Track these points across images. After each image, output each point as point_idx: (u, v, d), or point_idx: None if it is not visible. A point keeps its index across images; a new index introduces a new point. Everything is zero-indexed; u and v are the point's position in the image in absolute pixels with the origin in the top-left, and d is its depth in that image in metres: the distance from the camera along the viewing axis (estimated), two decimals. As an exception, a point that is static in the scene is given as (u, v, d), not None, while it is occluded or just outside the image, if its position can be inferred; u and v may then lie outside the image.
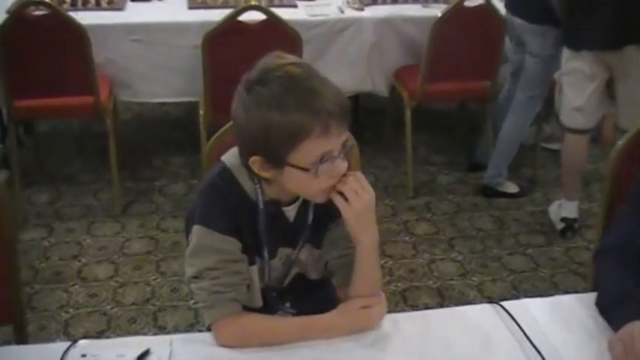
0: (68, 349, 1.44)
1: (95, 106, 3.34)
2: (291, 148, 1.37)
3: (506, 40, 3.63)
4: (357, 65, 3.71)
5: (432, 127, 4.43)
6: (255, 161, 1.43)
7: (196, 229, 1.49)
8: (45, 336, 2.69)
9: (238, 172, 1.50)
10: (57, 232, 3.36)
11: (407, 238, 3.42)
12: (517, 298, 2.80)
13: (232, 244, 1.49)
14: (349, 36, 3.64)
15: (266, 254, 1.56)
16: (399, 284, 3.08)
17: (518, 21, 3.51)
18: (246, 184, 1.50)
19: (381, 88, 3.83)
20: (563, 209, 3.44)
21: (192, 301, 2.85)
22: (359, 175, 1.46)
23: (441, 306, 2.87)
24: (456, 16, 3.44)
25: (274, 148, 1.38)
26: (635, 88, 3.15)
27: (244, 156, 1.45)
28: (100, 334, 2.72)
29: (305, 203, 1.56)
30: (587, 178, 3.75)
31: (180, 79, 3.57)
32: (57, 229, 3.38)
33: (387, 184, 3.86)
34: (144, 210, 3.55)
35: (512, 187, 3.78)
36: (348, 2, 3.76)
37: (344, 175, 1.43)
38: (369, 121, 4.32)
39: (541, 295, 2.38)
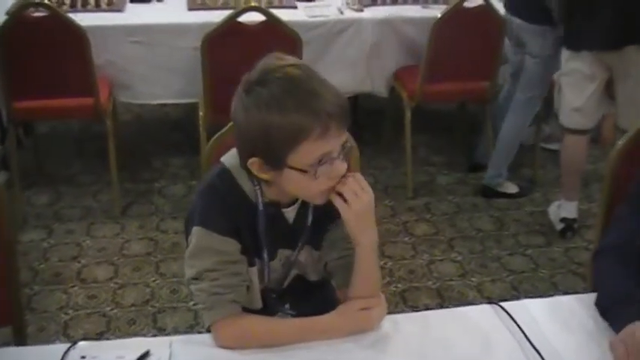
0: (68, 350, 1.44)
1: (95, 108, 3.34)
2: (291, 149, 1.37)
3: (506, 40, 3.63)
4: (357, 66, 3.71)
5: (432, 127, 4.43)
6: (254, 162, 1.43)
7: (196, 230, 1.49)
8: (44, 337, 2.69)
9: (238, 174, 1.50)
10: (56, 233, 3.36)
11: (406, 238, 3.42)
12: (517, 298, 2.79)
13: (232, 246, 1.49)
14: (349, 37, 3.64)
15: (265, 256, 1.56)
16: (399, 285, 3.08)
17: (517, 21, 3.51)
18: (246, 186, 1.50)
19: (381, 89, 3.83)
20: (562, 209, 3.44)
21: (191, 303, 2.85)
22: (358, 176, 1.46)
23: (441, 307, 2.87)
24: (456, 16, 3.44)
25: (273, 150, 1.38)
26: (635, 88, 3.15)
27: (243, 157, 1.45)
28: (99, 336, 2.72)
29: (304, 204, 1.56)
30: (587, 179, 3.75)
31: (179, 81, 3.57)
32: (56, 230, 3.38)
33: (387, 184, 3.86)
34: (143, 211, 3.55)
35: (511, 188, 3.78)
36: (347, 3, 3.75)
37: (343, 176, 1.43)
38: (369, 121, 4.32)
39: (541, 296, 2.39)
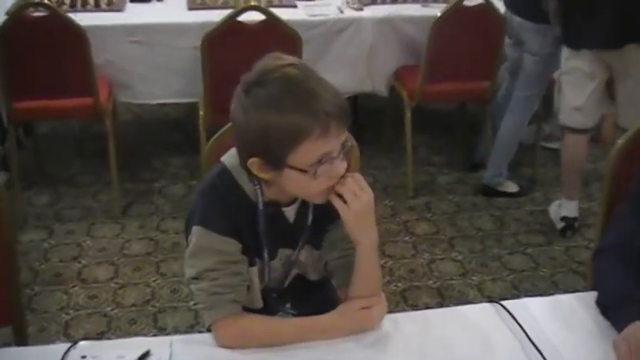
0: (68, 350, 1.44)
1: (95, 108, 3.34)
2: (290, 149, 1.37)
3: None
4: (357, 65, 3.71)
5: (432, 127, 4.43)
6: (254, 163, 1.42)
7: (196, 230, 1.49)
8: (45, 337, 2.69)
9: (238, 173, 1.50)
10: (57, 233, 3.36)
11: (407, 238, 3.42)
12: (517, 297, 2.80)
13: (232, 245, 1.49)
14: (349, 36, 3.64)
15: (266, 255, 1.56)
16: (399, 284, 3.08)
17: (517, 19, 3.51)
18: (246, 185, 1.50)
19: (381, 89, 3.83)
20: (563, 208, 3.44)
21: (192, 302, 2.85)
22: (357, 176, 1.46)
23: (441, 306, 2.87)
24: (456, 15, 3.44)
25: (273, 150, 1.38)
26: (635, 87, 3.15)
27: (243, 157, 1.45)
28: (100, 336, 2.72)
29: (304, 204, 1.56)
30: (587, 178, 3.75)
31: (179, 80, 3.57)
32: (57, 230, 3.38)
33: (387, 184, 3.86)
34: (143, 211, 3.55)
35: (512, 187, 3.78)
36: (347, 2, 3.75)
37: (342, 176, 1.43)
38: (369, 121, 4.32)
39: (541, 295, 2.39)
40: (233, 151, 1.51)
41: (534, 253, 3.33)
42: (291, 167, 1.39)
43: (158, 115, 4.55)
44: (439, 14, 3.45)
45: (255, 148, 1.40)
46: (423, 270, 3.18)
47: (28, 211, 3.52)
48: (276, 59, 1.41)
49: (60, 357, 1.42)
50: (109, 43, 3.45)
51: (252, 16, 3.26)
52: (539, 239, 3.44)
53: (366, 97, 4.09)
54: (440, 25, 3.43)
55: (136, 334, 2.71)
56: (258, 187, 1.49)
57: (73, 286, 3.00)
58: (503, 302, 1.60)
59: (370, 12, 3.70)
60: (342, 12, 3.68)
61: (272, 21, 3.24)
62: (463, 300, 2.98)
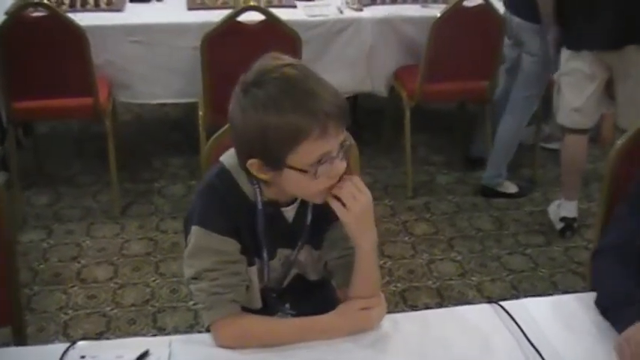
0: (67, 350, 1.44)
1: (94, 108, 3.34)
2: (290, 149, 1.36)
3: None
4: (357, 65, 3.71)
5: (431, 127, 4.43)
6: (253, 164, 1.42)
7: (195, 230, 1.49)
8: (44, 337, 2.69)
9: (237, 173, 1.50)
10: (56, 233, 3.36)
11: (406, 238, 3.42)
12: (516, 297, 2.80)
13: (231, 245, 1.49)
14: (348, 36, 3.64)
15: (265, 255, 1.56)
16: (399, 284, 3.08)
17: (516, 20, 3.51)
18: (245, 185, 1.50)
19: (381, 89, 3.83)
20: (562, 209, 3.44)
21: (191, 302, 2.85)
22: (355, 178, 1.45)
23: (441, 306, 2.87)
24: (455, 16, 3.44)
25: (272, 151, 1.38)
26: (635, 88, 3.15)
27: (242, 158, 1.45)
28: (99, 336, 2.72)
29: (303, 204, 1.56)
30: (587, 178, 3.74)
31: (179, 80, 3.57)
32: (56, 230, 3.38)
33: (387, 184, 3.86)
34: (143, 211, 3.55)
35: (511, 187, 3.78)
36: (347, 2, 3.75)
37: (340, 179, 1.43)
38: (369, 121, 4.32)
39: (540, 295, 2.39)
40: (232, 151, 1.51)
41: (533, 253, 3.33)
42: (291, 167, 1.39)
43: (158, 115, 4.55)
44: (439, 15, 3.45)
45: (254, 148, 1.40)
46: (422, 270, 3.18)
47: (28, 211, 3.52)
48: (274, 59, 1.41)
49: (59, 357, 1.42)
50: (109, 43, 3.45)
51: (252, 17, 3.26)
52: (539, 240, 3.44)
53: (365, 97, 4.09)
54: (439, 25, 3.44)
55: (135, 334, 2.71)
56: (257, 187, 1.49)
57: (73, 286, 3.00)
58: (502, 303, 1.60)
59: (370, 12, 3.70)
60: (341, 12, 3.68)
61: (271, 21, 3.24)
62: (462, 300, 2.98)
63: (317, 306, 1.55)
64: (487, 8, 3.48)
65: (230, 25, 3.22)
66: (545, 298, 1.72)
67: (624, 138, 1.90)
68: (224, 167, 1.52)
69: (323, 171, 1.39)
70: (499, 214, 3.64)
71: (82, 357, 1.43)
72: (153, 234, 3.37)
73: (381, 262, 3.15)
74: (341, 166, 1.42)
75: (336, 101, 1.38)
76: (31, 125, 4.07)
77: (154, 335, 2.67)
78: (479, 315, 1.59)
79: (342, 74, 3.54)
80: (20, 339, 1.86)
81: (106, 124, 3.42)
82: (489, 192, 3.76)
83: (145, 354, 1.43)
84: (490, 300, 1.62)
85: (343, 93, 1.44)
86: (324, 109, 1.35)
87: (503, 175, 3.75)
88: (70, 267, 3.12)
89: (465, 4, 3.45)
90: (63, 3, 3.57)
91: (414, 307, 2.94)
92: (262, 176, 1.45)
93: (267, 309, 1.62)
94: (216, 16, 3.34)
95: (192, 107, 3.70)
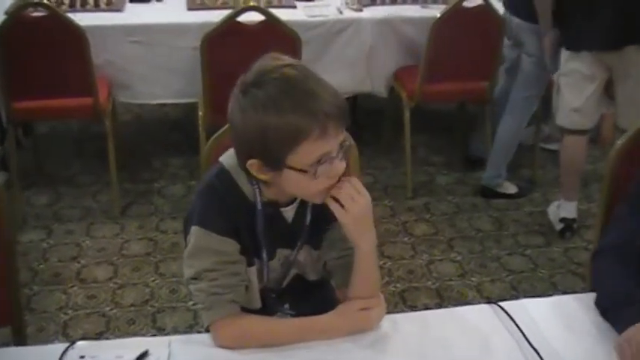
0: (66, 350, 1.44)
1: (94, 108, 3.34)
2: (289, 150, 1.37)
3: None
4: (356, 66, 3.71)
5: (431, 127, 4.43)
6: (253, 164, 1.42)
7: (194, 230, 1.49)
8: (44, 337, 2.69)
9: (236, 174, 1.50)
10: (56, 233, 3.36)
11: (406, 238, 3.42)
12: (516, 298, 2.79)
13: (230, 246, 1.49)
14: (348, 37, 3.64)
15: (264, 255, 1.56)
16: (398, 285, 3.08)
17: (516, 20, 3.52)
18: (245, 186, 1.50)
19: (380, 89, 3.83)
20: (562, 209, 3.44)
21: (191, 303, 2.85)
22: (353, 180, 1.45)
23: (440, 306, 2.87)
24: (455, 16, 3.44)
25: (272, 151, 1.38)
26: (634, 88, 3.15)
27: (242, 159, 1.45)
28: (99, 336, 2.72)
29: (303, 204, 1.56)
30: (586, 179, 3.75)
31: (179, 81, 3.57)
32: (56, 230, 3.38)
33: (386, 184, 3.86)
34: (143, 211, 3.55)
35: (511, 188, 3.78)
36: (346, 3, 3.75)
37: (339, 180, 1.43)
38: (368, 121, 4.32)
39: (540, 296, 2.39)
40: (231, 151, 1.51)
41: (533, 254, 3.33)
42: (291, 168, 1.39)
43: (158, 116, 4.56)
44: (438, 15, 3.45)
45: (254, 149, 1.40)
46: (421, 271, 3.18)
47: (28, 211, 3.51)
48: (274, 60, 1.41)
49: (58, 357, 1.42)
50: (109, 43, 3.45)
51: (252, 17, 3.26)
52: (538, 240, 3.44)
53: (365, 98, 4.09)
54: (439, 26, 3.44)
55: (135, 334, 2.71)
56: (256, 187, 1.49)
57: (72, 286, 3.00)
58: (502, 303, 1.60)
59: (369, 13, 3.70)
60: (341, 13, 3.68)
61: (271, 21, 3.24)
62: (462, 301, 2.98)
63: (316, 306, 1.55)
64: (487, 9, 3.48)
65: (230, 26, 3.22)
66: (545, 298, 1.72)
67: (624, 138, 1.90)
68: (223, 167, 1.52)
69: (323, 171, 1.39)
70: (499, 214, 3.64)
71: (82, 357, 1.43)
72: (153, 234, 3.37)
73: (381, 262, 3.15)
74: (340, 166, 1.42)
75: (336, 101, 1.38)
76: (30, 125, 4.07)
77: (154, 335, 2.67)
78: (478, 315, 1.59)
79: (341, 75, 3.54)
80: (20, 339, 1.85)
81: (105, 124, 3.41)
82: (489, 192, 3.76)
83: (145, 354, 1.43)
84: (489, 300, 1.62)
85: (343, 93, 1.44)
86: (324, 110, 1.35)
87: (502, 175, 3.75)
88: (69, 267, 3.12)
89: (465, 4, 3.45)
90: (63, 3, 3.57)
91: (414, 308, 2.94)
92: (262, 177, 1.45)
93: (267, 309, 1.62)
94: (216, 16, 3.34)
95: (192, 107, 3.70)
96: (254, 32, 3.23)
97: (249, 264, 1.55)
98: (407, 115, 3.70)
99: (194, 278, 1.49)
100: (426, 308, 2.88)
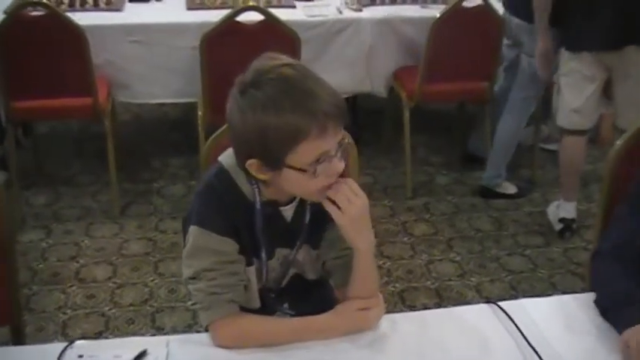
0: (65, 349, 1.44)
1: (94, 107, 3.34)
2: (289, 149, 1.37)
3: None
4: (356, 66, 3.71)
5: (431, 127, 4.43)
6: (252, 164, 1.42)
7: (193, 229, 1.48)
8: (43, 337, 2.68)
9: (235, 173, 1.50)
10: (55, 233, 3.36)
11: (405, 238, 3.42)
12: (515, 298, 2.78)
13: (229, 245, 1.49)
14: (348, 37, 3.64)
15: (264, 255, 1.56)
16: (397, 285, 3.07)
17: (515, 21, 3.51)
18: (244, 185, 1.50)
19: (380, 89, 3.83)
20: (561, 210, 3.44)
21: (190, 302, 2.85)
22: (350, 181, 1.45)
23: (439, 306, 2.87)
24: (455, 16, 3.44)
25: (271, 151, 1.38)
26: (634, 88, 3.15)
27: (241, 159, 1.45)
28: (98, 335, 2.72)
29: (302, 203, 1.56)
30: (586, 179, 3.75)
31: (178, 80, 3.57)
32: (55, 230, 3.38)
33: (386, 184, 3.85)
34: (142, 211, 3.55)
35: (510, 188, 3.78)
36: (346, 3, 3.75)
37: (335, 182, 1.43)
38: (368, 121, 4.32)
39: (539, 296, 2.39)
40: (230, 150, 1.51)
41: (532, 254, 3.33)
42: (290, 167, 1.39)
43: (157, 115, 4.55)
44: (438, 15, 3.45)
45: (253, 149, 1.40)
46: (421, 271, 3.18)
47: (27, 211, 3.51)
48: (271, 59, 1.41)
49: (56, 356, 1.41)
50: (108, 43, 3.45)
51: (251, 17, 3.26)
52: (538, 240, 3.44)
53: (365, 98, 4.09)
54: (439, 26, 3.44)
55: (134, 334, 2.71)
56: (255, 186, 1.49)
57: (71, 286, 2.99)
58: (501, 303, 1.60)
59: (369, 13, 3.70)
60: (341, 12, 3.68)
61: (271, 21, 3.24)
62: (461, 301, 2.97)
63: (315, 306, 1.55)
64: (486, 9, 3.49)
65: (229, 25, 3.22)
66: (544, 298, 1.72)
67: (623, 138, 1.90)
68: (222, 167, 1.52)
69: (322, 170, 1.39)
70: (498, 214, 3.64)
71: (80, 356, 1.42)
72: (152, 234, 3.37)
73: (380, 262, 3.15)
74: (339, 165, 1.42)
75: (335, 101, 1.38)
76: (30, 125, 4.07)
77: (153, 335, 2.67)
78: (477, 315, 1.59)
79: (341, 74, 3.54)
80: (19, 338, 1.85)
81: (105, 123, 3.41)
82: (488, 193, 3.75)
83: (143, 354, 1.43)
84: (489, 300, 1.62)
85: (342, 93, 1.44)
86: (323, 109, 1.35)
87: (502, 175, 3.75)
88: (68, 267, 3.12)
89: (465, 4, 3.45)
90: (62, 2, 3.57)
91: (413, 308, 2.94)
92: (261, 176, 1.45)
93: (266, 309, 1.61)
94: (216, 16, 3.34)
95: (191, 107, 3.70)
96: (253, 32, 3.23)
97: (248, 263, 1.55)
98: (406, 115, 3.70)
99: (193, 278, 1.49)
100: (425, 308, 2.88)
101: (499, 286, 3.10)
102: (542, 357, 1.44)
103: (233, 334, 1.48)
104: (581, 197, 3.56)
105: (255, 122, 1.36)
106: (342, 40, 3.64)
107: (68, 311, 2.85)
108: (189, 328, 2.74)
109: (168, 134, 4.34)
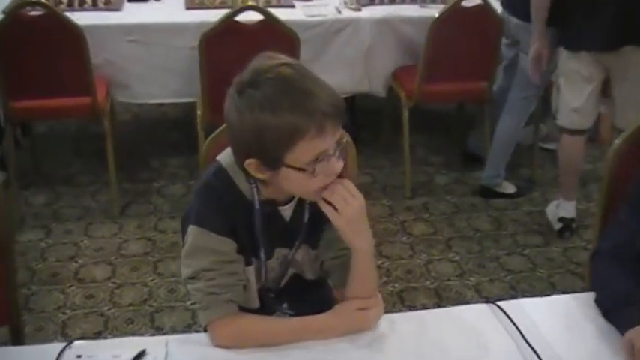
0: (64, 349, 1.43)
1: (92, 107, 3.34)
2: (287, 149, 1.36)
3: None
4: (355, 65, 3.71)
5: (430, 127, 4.43)
6: (250, 164, 1.42)
7: (192, 229, 1.48)
8: (42, 337, 2.68)
9: (234, 172, 1.50)
10: (54, 233, 3.35)
11: (404, 238, 3.42)
12: (514, 298, 2.77)
13: (228, 245, 1.49)
14: (347, 36, 3.65)
15: (262, 255, 1.56)
16: (396, 285, 3.07)
17: (514, 20, 3.51)
18: (242, 185, 1.50)
19: (379, 89, 3.83)
20: (560, 209, 3.44)
21: (189, 302, 2.85)
22: (346, 182, 1.45)
23: (439, 306, 2.87)
24: (454, 16, 3.44)
25: (269, 150, 1.38)
26: (632, 88, 3.15)
27: (239, 159, 1.45)
28: (97, 335, 2.72)
29: (301, 202, 1.56)
30: (585, 178, 3.75)
31: (177, 80, 3.57)
32: (54, 230, 3.38)
33: (385, 184, 3.85)
34: (141, 211, 3.55)
35: (509, 188, 3.78)
36: (345, 3, 3.75)
37: (331, 182, 1.43)
38: (367, 121, 4.32)
39: (538, 295, 2.38)
40: (229, 150, 1.51)
41: (532, 253, 3.33)
42: (289, 166, 1.39)
43: (156, 115, 4.55)
44: (437, 15, 3.45)
45: (252, 149, 1.40)
46: (420, 270, 3.18)
47: (26, 210, 3.51)
48: (269, 59, 1.40)
49: (55, 356, 1.41)
50: (107, 43, 3.45)
51: (250, 16, 3.26)
52: (537, 240, 3.44)
53: (363, 98, 4.09)
54: (438, 25, 3.44)
55: (133, 334, 2.71)
56: (254, 186, 1.49)
57: (70, 286, 2.99)
58: (500, 303, 1.60)
59: (368, 12, 3.70)
60: (340, 12, 3.68)
61: (270, 21, 3.24)
62: (460, 301, 2.97)
63: (314, 305, 1.55)
64: (485, 8, 3.49)
65: (228, 25, 3.22)
66: (543, 298, 1.72)
67: (622, 138, 1.90)
68: (221, 166, 1.52)
69: (320, 169, 1.39)
70: (497, 214, 3.64)
71: (79, 356, 1.42)
72: (151, 234, 3.37)
73: (379, 262, 3.15)
74: (338, 164, 1.42)
75: (333, 100, 1.38)
76: (29, 125, 4.06)
77: (152, 335, 2.67)
78: (476, 315, 1.59)
79: (340, 74, 3.54)
80: (18, 339, 1.85)
81: (104, 123, 3.41)
82: (488, 192, 3.75)
83: (142, 353, 1.43)
84: (488, 300, 1.62)
85: (341, 93, 1.44)
86: (321, 109, 1.35)
87: (501, 175, 3.75)
88: (68, 266, 3.11)
89: (464, 4, 3.45)
90: (61, 2, 3.57)
91: (412, 308, 2.93)
92: (260, 176, 1.45)
93: (265, 308, 1.61)
94: (214, 15, 3.34)
95: (190, 107, 3.70)
96: (252, 32, 3.23)
97: (247, 263, 1.55)
98: (405, 114, 3.70)
99: (191, 278, 1.49)
100: (425, 308, 2.88)
101: (498, 285, 3.10)
102: (542, 357, 1.44)
103: (232, 333, 1.48)
104: (580, 197, 3.56)
105: (253, 122, 1.36)
106: (341, 40, 3.64)
107: (67, 311, 2.85)
108: (188, 328, 2.74)
109: (168, 134, 4.34)
